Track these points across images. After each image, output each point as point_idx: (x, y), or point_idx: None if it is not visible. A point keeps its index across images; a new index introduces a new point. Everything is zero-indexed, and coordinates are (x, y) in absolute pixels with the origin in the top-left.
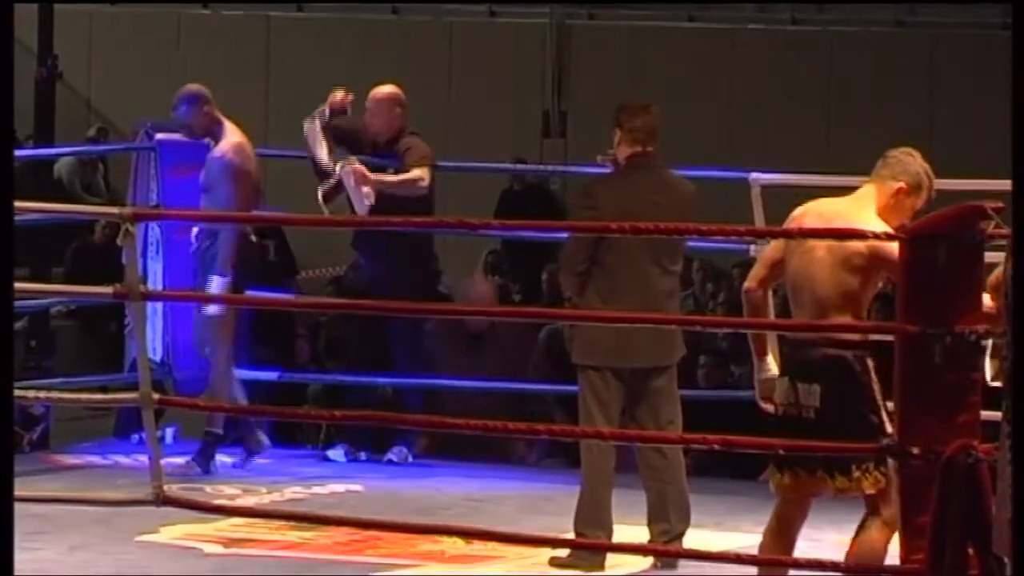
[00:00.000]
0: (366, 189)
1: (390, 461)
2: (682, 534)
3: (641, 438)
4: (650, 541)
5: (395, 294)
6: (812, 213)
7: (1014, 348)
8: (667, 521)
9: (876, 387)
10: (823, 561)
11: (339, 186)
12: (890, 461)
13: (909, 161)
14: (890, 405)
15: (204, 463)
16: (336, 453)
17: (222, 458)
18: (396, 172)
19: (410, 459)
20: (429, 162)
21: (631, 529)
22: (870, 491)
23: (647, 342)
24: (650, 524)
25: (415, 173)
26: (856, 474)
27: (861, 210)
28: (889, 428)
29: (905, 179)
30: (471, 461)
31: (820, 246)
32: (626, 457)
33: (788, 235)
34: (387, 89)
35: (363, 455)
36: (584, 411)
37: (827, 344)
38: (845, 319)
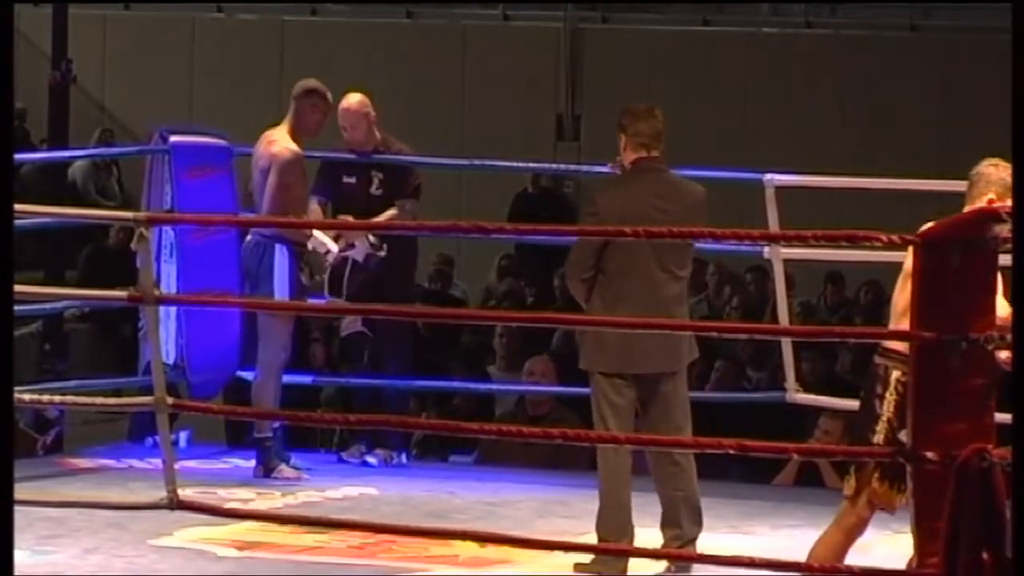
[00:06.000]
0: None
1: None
2: (694, 539)
3: (655, 442)
4: (663, 545)
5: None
6: None
7: (1015, 348)
8: (679, 526)
9: (889, 398)
10: (838, 565)
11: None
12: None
13: (991, 172)
14: None
15: (266, 468)
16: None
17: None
18: (387, 179)
19: (395, 460)
20: (417, 194)
21: (644, 532)
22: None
23: (655, 348)
24: (663, 529)
25: (409, 209)
26: (850, 478)
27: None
28: (879, 439)
29: (993, 190)
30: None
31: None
32: (638, 462)
33: (801, 238)
34: (356, 99)
35: (403, 458)
36: (597, 417)
37: (878, 353)
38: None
